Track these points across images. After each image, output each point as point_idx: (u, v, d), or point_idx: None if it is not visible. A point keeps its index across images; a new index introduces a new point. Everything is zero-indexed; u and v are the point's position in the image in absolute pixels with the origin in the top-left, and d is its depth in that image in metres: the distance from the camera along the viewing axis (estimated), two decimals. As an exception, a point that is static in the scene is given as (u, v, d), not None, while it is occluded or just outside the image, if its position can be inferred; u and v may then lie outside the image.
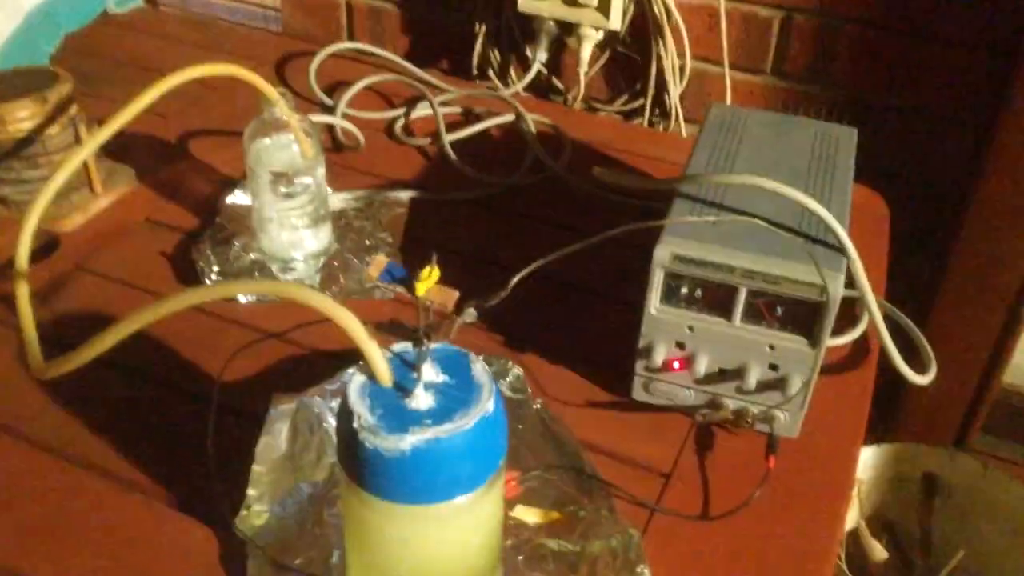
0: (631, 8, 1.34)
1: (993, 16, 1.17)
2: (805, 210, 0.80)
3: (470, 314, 0.92)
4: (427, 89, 1.31)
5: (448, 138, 1.22)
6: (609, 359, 0.91)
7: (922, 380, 0.90)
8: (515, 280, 0.90)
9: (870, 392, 0.92)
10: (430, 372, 0.54)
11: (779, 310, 0.78)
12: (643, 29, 1.35)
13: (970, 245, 1.28)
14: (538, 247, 0.91)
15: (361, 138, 1.23)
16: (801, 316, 0.77)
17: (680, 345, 0.82)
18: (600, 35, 1.36)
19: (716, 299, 0.79)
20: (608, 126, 1.38)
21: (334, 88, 1.33)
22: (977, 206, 1.26)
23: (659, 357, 0.83)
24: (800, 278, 0.75)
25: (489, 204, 1.15)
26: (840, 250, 0.78)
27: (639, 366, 0.85)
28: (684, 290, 0.80)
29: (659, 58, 1.35)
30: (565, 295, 1.01)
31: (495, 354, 0.90)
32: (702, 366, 0.81)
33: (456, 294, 0.96)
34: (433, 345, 0.56)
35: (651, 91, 1.38)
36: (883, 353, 0.88)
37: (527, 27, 1.41)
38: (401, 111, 1.29)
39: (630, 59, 1.40)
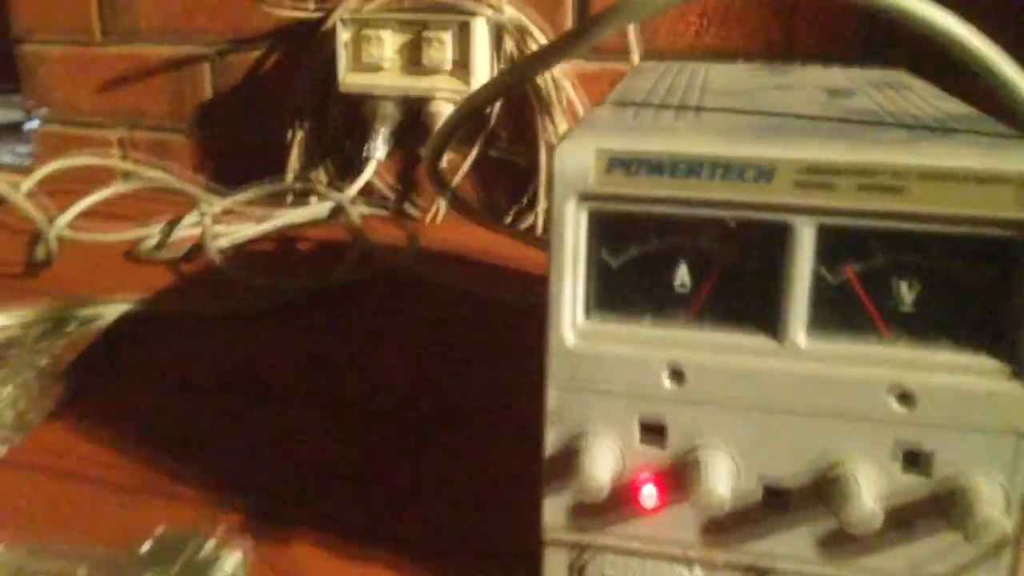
0: (504, 76, 0.92)
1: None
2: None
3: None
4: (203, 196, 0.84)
5: (218, 243, 0.74)
6: (461, 534, 0.38)
7: None
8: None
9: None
10: None
11: (907, 289, 0.28)
12: (523, 108, 0.93)
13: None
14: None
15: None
16: (979, 298, 0.28)
17: (651, 430, 0.31)
18: (462, 114, 0.93)
19: (736, 287, 0.30)
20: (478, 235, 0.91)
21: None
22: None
23: (601, 472, 0.31)
24: (992, 169, 0.27)
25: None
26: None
27: (551, 511, 0.33)
28: (641, 274, 0.30)
29: (549, 148, 0.92)
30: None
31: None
32: (718, 482, 0.30)
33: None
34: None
35: (543, 200, 0.94)
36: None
37: (360, 117, 0.97)
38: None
39: (511, 154, 0.97)
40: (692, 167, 0.29)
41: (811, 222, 0.29)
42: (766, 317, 0.31)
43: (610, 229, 0.32)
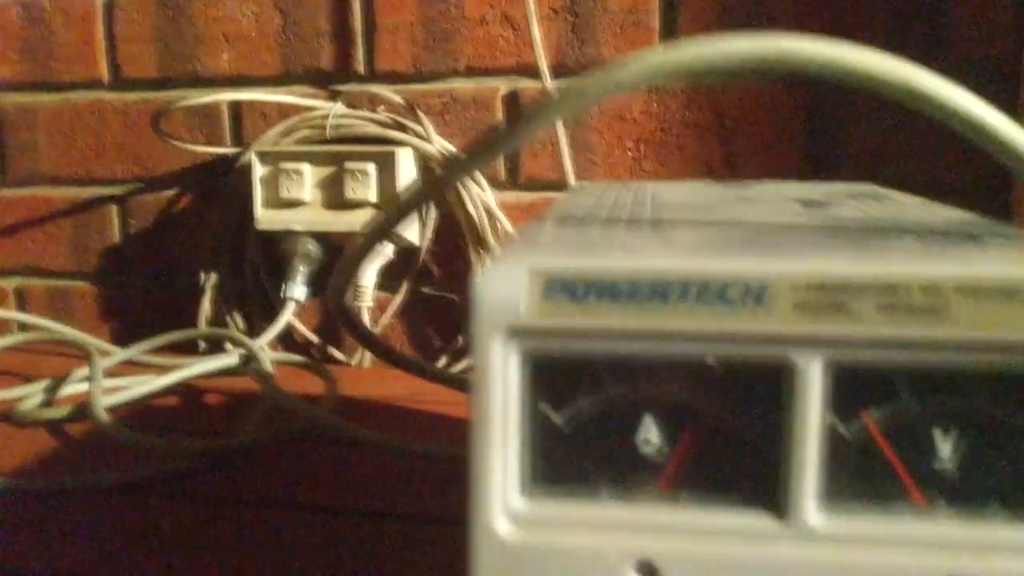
0: (432, 211, 0.86)
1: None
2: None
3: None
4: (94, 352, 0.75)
5: (109, 400, 0.64)
6: None
7: None
8: None
9: None
10: None
11: (947, 443, 0.22)
12: (456, 242, 0.87)
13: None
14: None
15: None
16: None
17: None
18: (389, 251, 0.86)
19: (722, 448, 0.22)
20: (410, 383, 0.82)
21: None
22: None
23: None
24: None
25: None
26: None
27: None
28: (596, 434, 0.22)
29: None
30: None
31: None
32: None
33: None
34: None
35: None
36: None
37: (279, 257, 0.90)
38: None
39: (443, 292, 0.90)
40: (657, 289, 0.22)
41: (818, 357, 0.22)
42: (764, 488, 0.23)
43: (552, 375, 0.24)
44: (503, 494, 0.24)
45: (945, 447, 0.23)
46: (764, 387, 0.23)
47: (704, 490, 0.24)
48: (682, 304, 0.22)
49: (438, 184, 0.30)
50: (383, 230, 0.32)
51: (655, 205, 0.34)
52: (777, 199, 0.36)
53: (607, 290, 0.22)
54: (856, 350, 0.22)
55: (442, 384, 0.47)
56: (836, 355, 0.22)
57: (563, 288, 0.22)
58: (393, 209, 0.32)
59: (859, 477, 0.23)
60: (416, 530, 0.51)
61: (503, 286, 0.23)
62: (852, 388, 0.23)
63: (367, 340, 0.42)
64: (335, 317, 0.40)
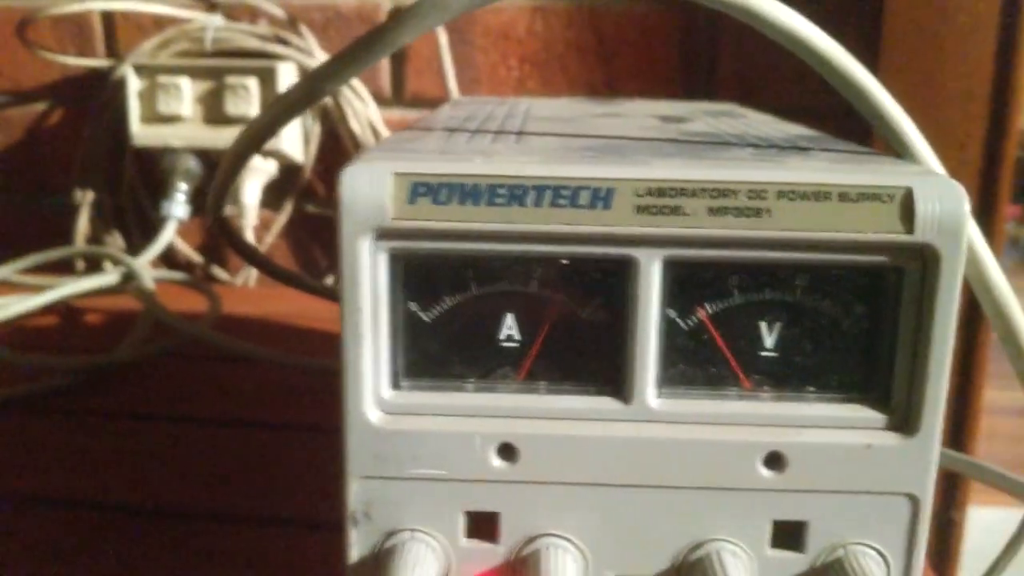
0: (316, 127, 0.85)
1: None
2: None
3: None
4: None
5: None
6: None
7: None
8: None
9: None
10: None
11: (769, 332, 0.24)
12: (341, 160, 0.86)
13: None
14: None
15: None
16: (851, 339, 0.23)
17: (480, 521, 0.25)
18: (273, 168, 0.86)
19: (573, 339, 0.24)
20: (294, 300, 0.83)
21: None
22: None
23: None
24: (869, 184, 0.23)
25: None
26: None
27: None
28: (460, 329, 0.24)
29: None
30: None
31: None
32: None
33: None
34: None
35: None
36: None
37: (159, 174, 0.88)
38: None
39: (329, 210, 0.89)
40: (515, 192, 0.24)
41: (657, 255, 0.24)
42: (610, 374, 0.26)
43: (418, 274, 0.25)
44: (375, 386, 0.26)
45: (768, 336, 0.26)
46: (611, 284, 0.25)
47: (558, 379, 0.26)
48: (537, 207, 0.24)
49: (310, 88, 0.30)
50: (259, 135, 0.33)
51: (525, 119, 0.36)
52: (640, 115, 0.38)
53: (468, 193, 0.24)
54: (691, 249, 0.24)
55: (321, 297, 0.48)
56: (673, 253, 0.24)
57: (427, 191, 0.24)
58: (267, 114, 0.33)
59: (694, 364, 0.26)
60: (295, 437, 0.52)
61: (369, 188, 0.24)
62: (689, 285, 0.25)
63: (245, 251, 0.43)
64: (214, 228, 0.40)
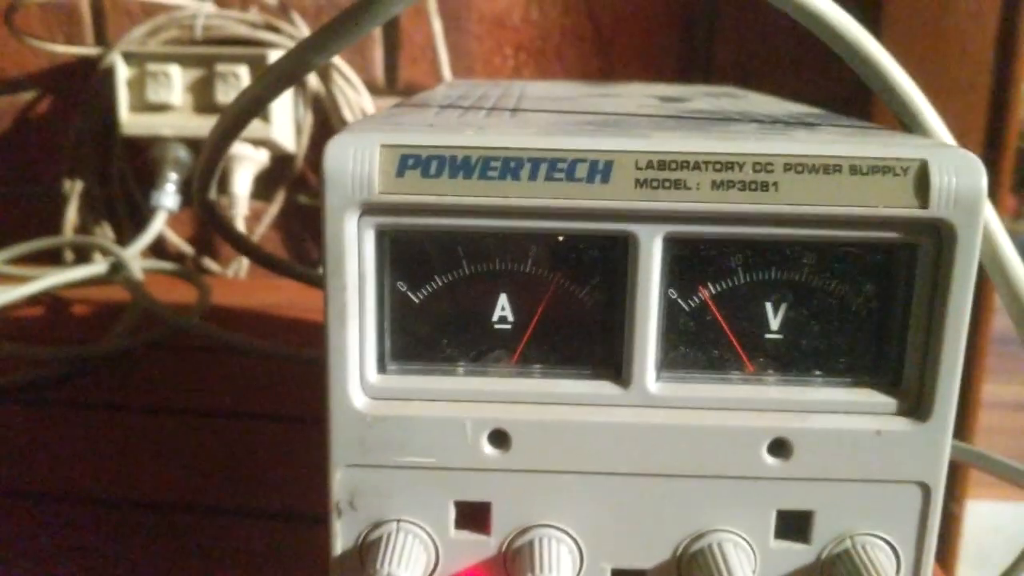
0: (308, 116, 0.84)
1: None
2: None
3: None
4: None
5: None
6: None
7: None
8: None
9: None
10: None
11: (775, 313, 0.23)
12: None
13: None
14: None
15: None
16: (860, 320, 0.22)
17: (471, 512, 0.24)
18: (265, 158, 0.84)
19: (569, 320, 0.23)
20: (286, 290, 0.81)
21: None
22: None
23: (407, 572, 0.23)
24: (882, 157, 0.21)
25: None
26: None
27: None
28: (450, 310, 0.23)
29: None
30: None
31: None
32: (557, 574, 0.23)
33: None
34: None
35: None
36: None
37: (149, 164, 0.86)
38: None
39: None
40: (509, 165, 0.23)
41: (658, 231, 0.23)
42: (607, 357, 0.25)
43: (406, 252, 0.24)
44: (360, 369, 0.24)
45: (774, 317, 0.24)
46: (609, 262, 0.24)
47: (553, 361, 0.25)
48: (532, 181, 0.23)
49: (298, 60, 0.29)
50: (247, 108, 0.32)
51: (521, 97, 0.35)
52: (638, 95, 0.37)
53: (460, 166, 0.23)
54: (693, 225, 0.23)
55: (310, 284, 0.47)
56: (675, 229, 0.23)
57: (416, 164, 0.23)
58: (255, 86, 0.32)
59: (696, 347, 0.25)
60: (284, 429, 0.51)
61: (355, 161, 0.23)
62: (691, 263, 0.24)
63: (231, 237, 0.41)
64: (200, 213, 0.39)
